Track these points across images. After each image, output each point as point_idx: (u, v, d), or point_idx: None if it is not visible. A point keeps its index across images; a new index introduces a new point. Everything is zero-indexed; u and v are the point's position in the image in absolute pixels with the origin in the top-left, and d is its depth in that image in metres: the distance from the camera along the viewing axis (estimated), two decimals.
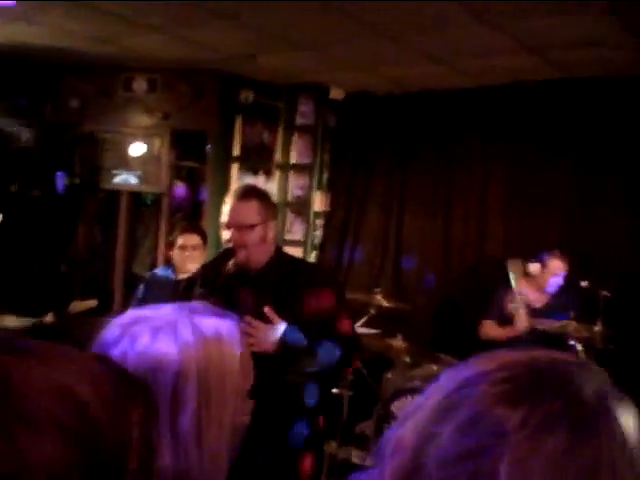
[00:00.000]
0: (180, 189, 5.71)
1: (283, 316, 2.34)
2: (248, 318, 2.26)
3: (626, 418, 0.63)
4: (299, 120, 5.63)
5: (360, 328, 4.49)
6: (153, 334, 0.92)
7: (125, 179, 5.37)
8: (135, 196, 5.52)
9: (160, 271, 4.03)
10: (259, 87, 5.40)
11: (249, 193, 2.53)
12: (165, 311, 0.98)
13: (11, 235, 5.20)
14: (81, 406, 0.60)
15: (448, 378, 0.68)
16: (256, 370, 1.00)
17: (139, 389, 0.68)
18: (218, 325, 0.97)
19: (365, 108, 5.55)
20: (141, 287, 3.89)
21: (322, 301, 2.44)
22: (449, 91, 5.13)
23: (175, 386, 0.89)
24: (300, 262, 2.83)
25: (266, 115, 5.54)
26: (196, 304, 1.02)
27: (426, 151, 5.35)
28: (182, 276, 3.67)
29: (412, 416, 0.67)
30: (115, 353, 0.91)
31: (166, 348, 0.90)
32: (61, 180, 5.45)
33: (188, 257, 3.71)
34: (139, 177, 5.35)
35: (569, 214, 4.73)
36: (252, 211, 2.46)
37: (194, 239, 3.78)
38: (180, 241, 3.77)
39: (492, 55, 4.17)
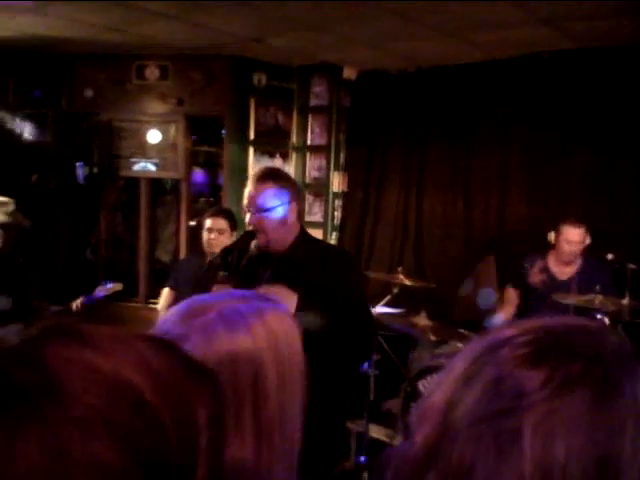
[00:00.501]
0: (199, 175, 5.73)
1: (304, 300, 2.33)
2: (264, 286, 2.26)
3: None
4: (313, 101, 5.60)
5: (383, 307, 4.50)
6: (227, 328, 0.91)
7: (144, 166, 5.40)
8: (154, 183, 5.55)
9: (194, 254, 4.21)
10: (272, 69, 5.38)
11: (265, 176, 2.51)
12: (227, 300, 0.97)
13: (34, 226, 5.25)
14: (137, 401, 0.52)
15: (473, 346, 0.70)
16: None
17: (208, 384, 0.60)
18: (280, 312, 0.99)
19: (379, 86, 5.51)
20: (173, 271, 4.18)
21: (341, 284, 2.43)
22: (462, 65, 5.07)
23: (256, 379, 0.90)
24: (324, 245, 2.82)
25: (280, 97, 5.52)
26: (250, 292, 1.03)
27: (443, 127, 5.30)
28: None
29: (439, 386, 0.70)
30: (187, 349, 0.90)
31: (243, 342, 0.91)
32: (81, 170, 5.49)
33: (214, 240, 3.85)
34: (157, 164, 5.37)
35: (592, 187, 4.66)
36: (268, 194, 2.45)
37: (221, 223, 3.91)
38: (207, 224, 3.94)
39: (503, 27, 4.10)
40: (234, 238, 3.89)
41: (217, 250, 3.73)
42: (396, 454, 0.71)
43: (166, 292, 4.26)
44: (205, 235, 3.95)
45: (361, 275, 2.52)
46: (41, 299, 4.06)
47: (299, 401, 0.96)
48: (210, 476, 0.57)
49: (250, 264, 2.56)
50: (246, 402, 0.90)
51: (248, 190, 2.49)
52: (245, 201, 2.50)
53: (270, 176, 2.53)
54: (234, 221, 3.99)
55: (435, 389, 0.70)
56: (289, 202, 2.50)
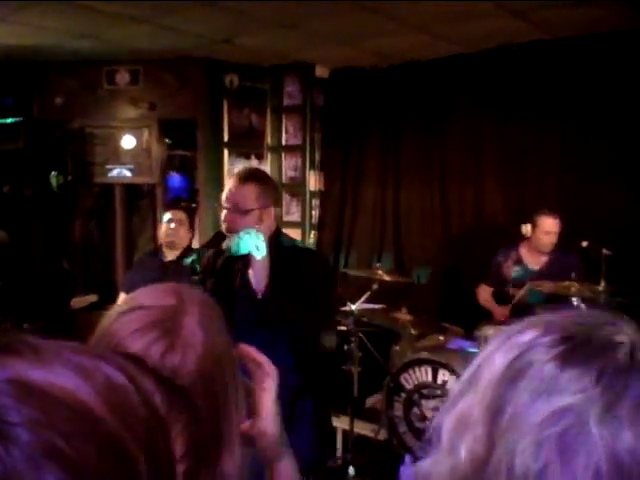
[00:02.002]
0: (176, 179, 5.70)
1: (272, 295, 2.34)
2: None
3: None
4: (287, 101, 5.60)
5: (364, 304, 4.50)
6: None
7: (119, 172, 5.35)
8: (129, 189, 5.51)
9: (149, 254, 4.21)
10: (243, 70, 5.36)
11: (248, 176, 2.48)
12: (160, 299, 0.93)
13: (10, 238, 5.20)
14: (97, 430, 0.42)
15: (501, 347, 0.69)
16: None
17: (184, 405, 0.53)
18: (210, 303, 0.97)
19: (352, 84, 5.51)
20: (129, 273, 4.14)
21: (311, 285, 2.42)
22: (434, 60, 5.09)
23: (233, 378, 0.88)
24: (296, 247, 2.78)
25: (253, 98, 5.51)
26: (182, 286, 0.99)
27: (417, 122, 5.32)
28: (170, 257, 3.89)
29: (462, 395, 0.68)
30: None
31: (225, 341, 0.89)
32: (54, 178, 5.44)
33: (173, 230, 3.88)
34: (132, 170, 5.33)
35: (565, 176, 4.70)
36: (249, 196, 2.42)
37: (180, 215, 3.94)
38: (166, 216, 3.96)
39: (473, 20, 4.12)
40: (191, 237, 4.01)
41: (174, 241, 3.87)
42: (429, 472, 0.69)
43: (122, 298, 4.16)
44: (164, 226, 3.93)
45: (330, 275, 2.54)
46: (14, 316, 4.02)
47: (239, 411, 0.91)
48: None
49: (225, 264, 2.54)
50: (231, 410, 0.86)
51: (229, 187, 2.45)
52: (223, 197, 2.45)
53: (253, 177, 2.49)
54: (193, 219, 4.06)
55: (457, 398, 0.69)
56: (267, 206, 2.47)
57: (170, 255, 3.90)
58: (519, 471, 0.62)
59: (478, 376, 0.69)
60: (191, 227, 4.01)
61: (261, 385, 0.99)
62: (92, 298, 4.08)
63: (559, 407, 0.62)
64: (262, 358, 1.02)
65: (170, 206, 4.12)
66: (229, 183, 2.48)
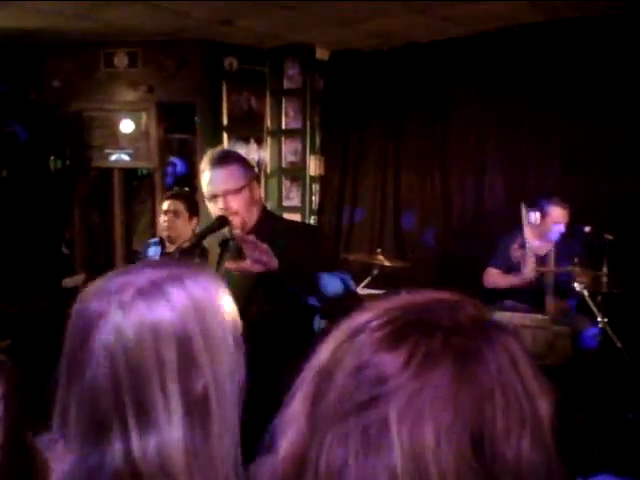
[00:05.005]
0: (178, 163, 5.65)
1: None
2: (241, 234, 2.19)
3: (511, 343, 0.62)
4: (286, 84, 5.53)
5: (364, 289, 4.47)
6: (144, 300, 0.86)
7: (118, 157, 5.31)
8: (127, 173, 5.47)
9: (151, 251, 3.99)
10: (243, 53, 5.30)
11: (227, 157, 2.43)
12: (147, 272, 0.91)
13: (7, 221, 5.17)
14: None
15: (333, 335, 0.65)
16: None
17: None
18: (204, 279, 0.93)
19: (352, 66, 5.45)
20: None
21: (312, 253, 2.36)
22: (436, 42, 5.02)
23: (181, 353, 0.84)
24: (288, 221, 2.75)
25: (252, 81, 5.44)
26: (169, 260, 0.97)
27: (418, 105, 5.26)
28: (170, 249, 3.68)
29: (301, 384, 0.64)
30: (107, 326, 0.85)
31: (162, 313, 0.85)
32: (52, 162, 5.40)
33: (168, 223, 3.68)
34: (130, 154, 5.29)
35: (567, 161, 4.66)
36: (236, 174, 2.37)
37: (177, 205, 3.72)
38: (163, 206, 3.76)
39: (475, 0, 4.05)
40: (193, 226, 3.71)
41: (172, 234, 3.67)
42: (262, 472, 0.65)
43: None
44: (160, 218, 3.78)
45: (330, 243, 2.49)
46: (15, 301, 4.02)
47: (234, 373, 0.89)
48: (11, 444, 0.53)
49: (223, 249, 2.50)
50: (171, 378, 0.83)
51: (209, 175, 2.37)
52: (208, 188, 2.37)
53: (229, 156, 2.45)
54: (194, 206, 3.78)
55: (297, 387, 0.64)
56: (253, 180, 2.45)
57: (171, 248, 3.72)
58: (323, 468, 0.57)
59: (310, 367, 0.64)
60: (192, 215, 3.75)
61: None
62: (80, 278, 4.06)
63: (365, 398, 0.57)
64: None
65: (167, 196, 3.87)
66: (206, 171, 2.38)
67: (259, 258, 2.13)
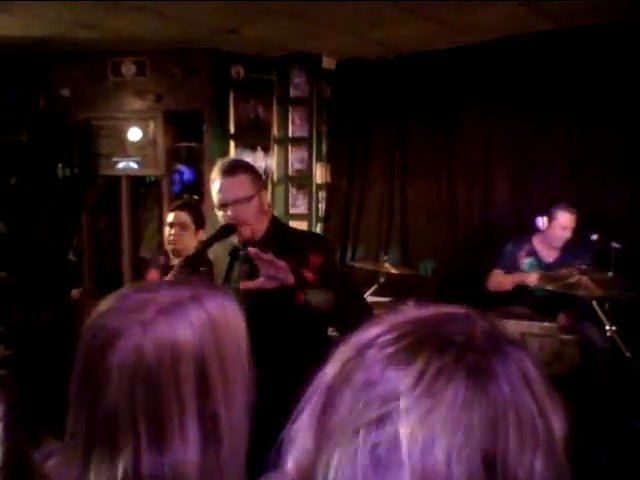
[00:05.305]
0: (185, 171, 5.67)
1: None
2: (257, 252, 2.11)
3: (525, 359, 0.60)
4: (293, 92, 5.55)
5: (371, 297, 4.47)
6: (166, 319, 0.86)
7: (126, 165, 5.34)
8: (135, 180, 5.49)
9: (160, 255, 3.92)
10: (250, 62, 5.33)
11: (237, 166, 2.45)
12: (166, 291, 0.91)
13: (15, 229, 5.20)
14: None
15: (340, 349, 0.64)
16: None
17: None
18: (220, 298, 0.93)
19: (359, 75, 5.46)
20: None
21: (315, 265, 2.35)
22: (442, 51, 5.03)
23: (198, 373, 0.84)
24: (295, 230, 2.76)
25: (259, 90, 5.46)
26: (191, 279, 0.98)
27: (425, 113, 5.27)
28: (174, 261, 3.52)
29: (308, 400, 0.63)
30: (127, 344, 0.84)
31: (183, 333, 0.85)
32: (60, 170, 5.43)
33: (175, 237, 3.55)
34: (138, 162, 5.32)
35: (575, 169, 4.65)
36: (245, 183, 2.39)
37: (183, 217, 3.58)
38: (169, 218, 3.63)
39: (481, 8, 4.06)
40: (200, 237, 3.56)
41: (178, 247, 3.53)
42: None
43: None
44: (166, 231, 3.61)
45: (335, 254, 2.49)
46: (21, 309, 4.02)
47: (245, 395, 0.89)
48: (9, 466, 0.53)
49: (232, 258, 2.51)
50: (189, 398, 0.83)
51: (220, 183, 2.38)
52: (218, 196, 2.38)
53: (239, 166, 2.47)
54: (200, 217, 3.67)
55: (305, 402, 0.63)
56: (261, 189, 2.47)
57: (175, 260, 3.54)
58: None
59: (317, 383, 0.63)
60: (198, 227, 3.61)
61: None
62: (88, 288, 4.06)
63: (375, 416, 0.56)
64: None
65: (173, 207, 3.75)
66: (217, 180, 2.40)
67: (275, 275, 2.12)
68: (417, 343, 0.59)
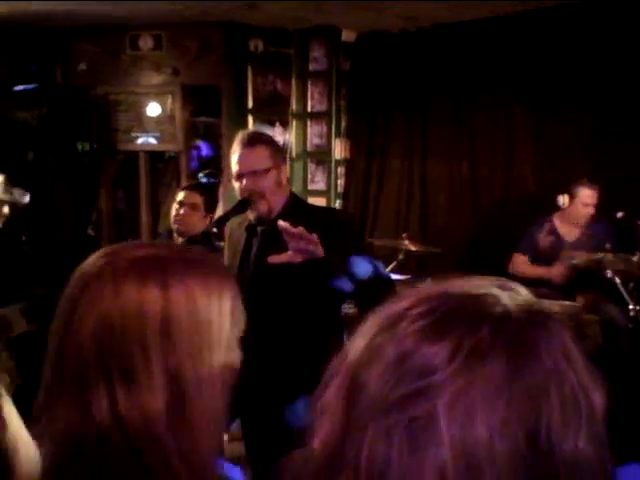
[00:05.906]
0: (203, 147, 5.64)
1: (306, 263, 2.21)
2: (286, 226, 2.06)
3: (563, 332, 0.58)
4: (312, 66, 5.47)
5: (389, 274, 4.43)
6: (139, 271, 0.86)
7: (144, 140, 5.32)
8: (153, 156, 5.48)
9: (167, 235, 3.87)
10: (268, 35, 5.25)
11: (256, 138, 2.43)
12: (152, 248, 0.92)
13: (34, 203, 5.21)
14: None
15: (370, 322, 0.61)
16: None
17: None
18: (207, 265, 0.92)
19: (379, 48, 5.37)
20: None
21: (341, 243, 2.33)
22: (464, 23, 4.90)
23: (164, 330, 0.84)
24: (316, 207, 2.73)
25: (278, 63, 5.40)
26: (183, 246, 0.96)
27: (446, 88, 5.16)
28: (177, 241, 3.46)
29: (335, 373, 0.61)
30: (99, 289, 0.86)
31: (153, 288, 0.85)
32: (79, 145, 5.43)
33: (184, 217, 3.43)
34: (157, 137, 5.30)
35: (598, 145, 4.54)
36: (263, 155, 2.36)
37: (195, 198, 3.46)
38: (179, 197, 3.52)
39: None
40: (206, 223, 3.42)
41: (184, 228, 3.41)
42: (292, 464, 0.62)
43: None
44: (174, 210, 3.47)
45: (359, 229, 2.44)
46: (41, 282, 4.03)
47: (220, 357, 0.88)
48: None
49: (250, 234, 2.48)
50: (154, 348, 0.83)
51: (238, 154, 2.37)
52: (236, 167, 2.37)
53: (261, 138, 2.46)
54: (212, 201, 3.58)
55: (331, 377, 0.61)
56: (281, 164, 2.44)
57: (179, 240, 3.49)
58: (364, 464, 0.54)
59: (344, 355, 0.61)
60: (208, 211, 3.49)
61: None
62: None
63: (410, 390, 0.54)
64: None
65: (185, 186, 3.65)
66: (236, 151, 2.38)
67: (305, 248, 2.08)
68: (449, 316, 0.57)
